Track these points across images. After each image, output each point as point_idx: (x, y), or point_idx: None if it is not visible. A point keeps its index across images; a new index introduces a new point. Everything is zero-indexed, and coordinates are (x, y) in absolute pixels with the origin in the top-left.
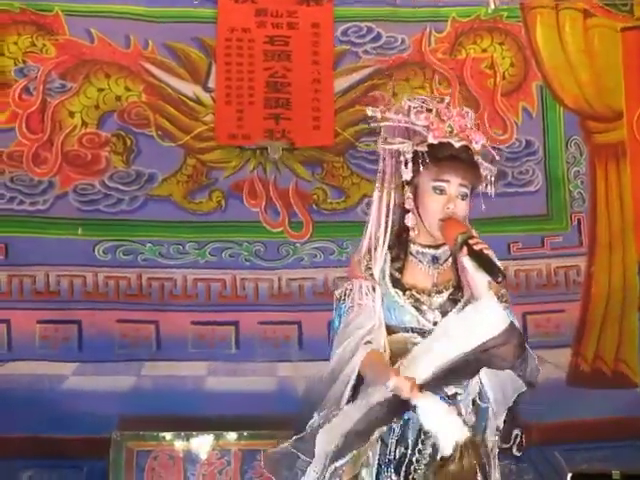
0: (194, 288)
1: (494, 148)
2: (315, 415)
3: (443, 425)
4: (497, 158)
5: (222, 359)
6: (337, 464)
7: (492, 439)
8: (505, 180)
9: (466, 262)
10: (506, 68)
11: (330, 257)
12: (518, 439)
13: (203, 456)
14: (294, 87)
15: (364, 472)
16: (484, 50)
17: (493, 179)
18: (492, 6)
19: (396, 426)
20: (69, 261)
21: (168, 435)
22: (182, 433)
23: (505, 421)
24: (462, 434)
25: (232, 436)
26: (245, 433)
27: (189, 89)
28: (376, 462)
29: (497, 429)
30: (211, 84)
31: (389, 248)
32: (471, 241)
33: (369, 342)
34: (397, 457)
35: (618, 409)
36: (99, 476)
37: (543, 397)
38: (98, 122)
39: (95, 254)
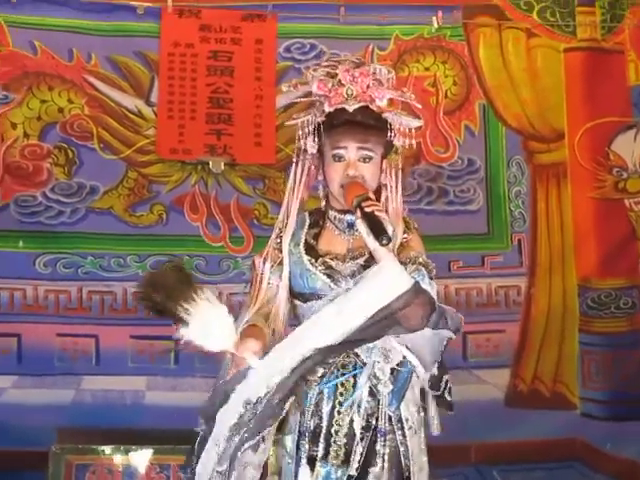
0: (134, 301)
1: (436, 166)
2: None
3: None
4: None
5: (161, 374)
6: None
7: (411, 411)
8: (446, 198)
9: (359, 225)
10: (449, 87)
11: None
12: (448, 384)
13: (142, 470)
14: (236, 103)
15: (287, 439)
16: (427, 68)
17: (412, 131)
18: (435, 25)
19: (312, 396)
20: (9, 274)
21: (107, 449)
22: (121, 447)
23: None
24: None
25: (171, 450)
26: (183, 447)
27: (131, 103)
28: (297, 430)
29: (424, 388)
30: (153, 98)
31: (310, 214)
32: (364, 203)
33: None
34: (312, 427)
35: (556, 430)
36: None
37: (481, 417)
38: (40, 134)
39: (36, 267)
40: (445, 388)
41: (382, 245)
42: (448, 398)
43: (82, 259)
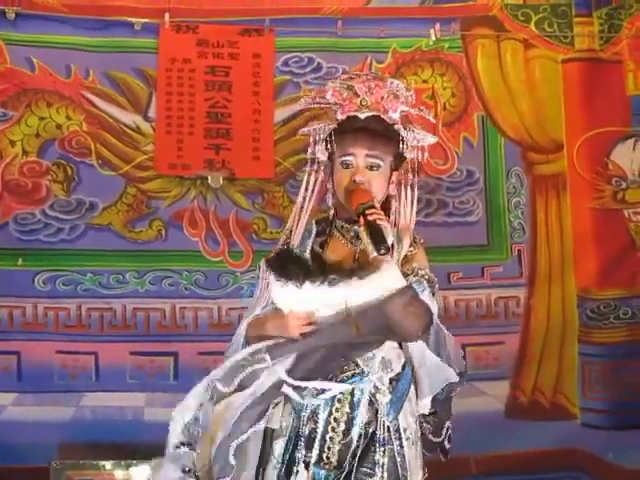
0: (133, 318)
1: (436, 178)
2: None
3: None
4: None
5: (160, 390)
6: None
7: (409, 421)
8: (446, 210)
9: (360, 232)
10: (447, 99)
11: None
12: (449, 432)
13: None
14: (234, 117)
15: (276, 443)
16: (425, 81)
17: (425, 146)
18: (433, 37)
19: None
20: (9, 292)
21: (108, 464)
22: (122, 462)
23: (436, 413)
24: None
25: None
26: None
27: (129, 118)
28: (287, 434)
29: (417, 415)
30: (151, 114)
31: (317, 222)
32: (367, 211)
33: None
34: (307, 432)
35: (557, 441)
36: None
37: (482, 429)
38: (39, 151)
39: (35, 285)
40: (446, 436)
41: (380, 254)
42: (447, 446)
43: (81, 276)
